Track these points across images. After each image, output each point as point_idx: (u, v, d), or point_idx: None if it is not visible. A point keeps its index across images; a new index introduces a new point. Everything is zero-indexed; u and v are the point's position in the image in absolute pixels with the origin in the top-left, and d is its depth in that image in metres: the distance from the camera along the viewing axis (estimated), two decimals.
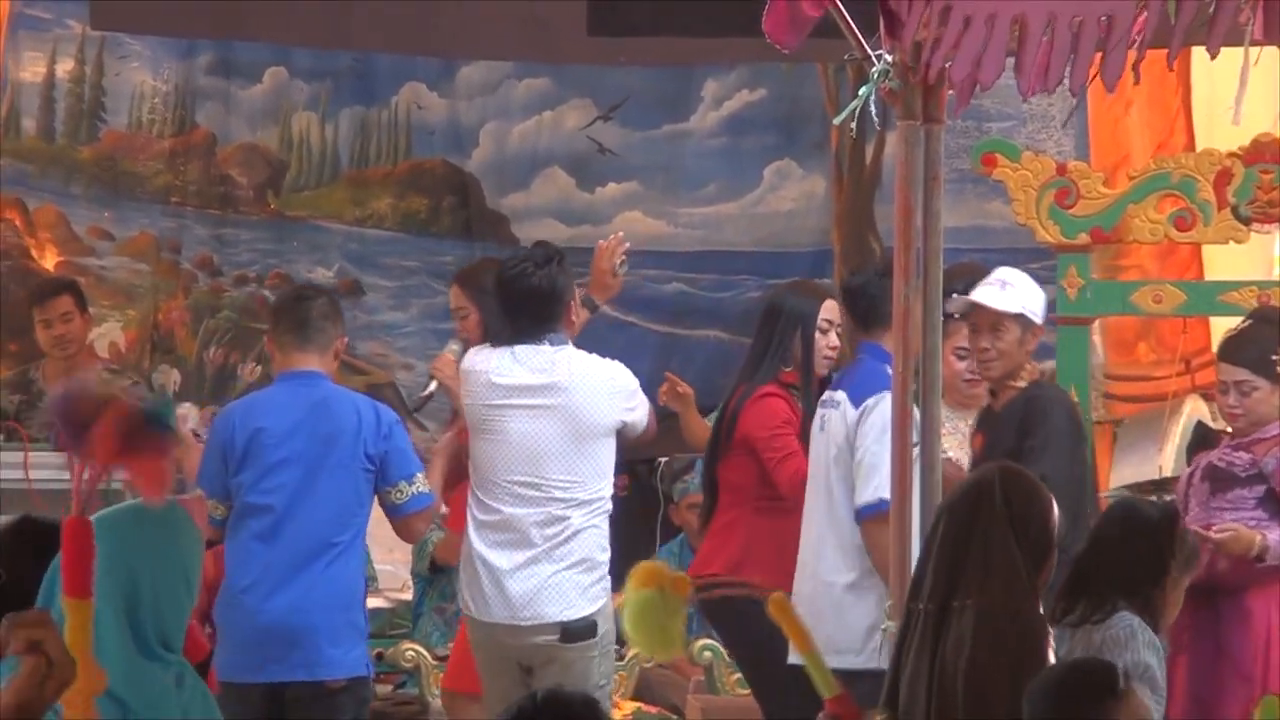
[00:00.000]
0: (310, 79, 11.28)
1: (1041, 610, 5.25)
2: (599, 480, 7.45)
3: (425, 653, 8.51)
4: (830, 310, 7.93)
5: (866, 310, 7.66)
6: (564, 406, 7.42)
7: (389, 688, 8.83)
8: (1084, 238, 8.63)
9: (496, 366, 7.46)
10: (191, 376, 10.96)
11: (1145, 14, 4.11)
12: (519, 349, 7.47)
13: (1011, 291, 7.58)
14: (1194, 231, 8.70)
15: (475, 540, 7.38)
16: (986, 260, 9.41)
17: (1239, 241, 8.95)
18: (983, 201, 10.30)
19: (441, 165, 11.45)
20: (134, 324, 10.99)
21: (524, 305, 7.45)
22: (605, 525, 7.42)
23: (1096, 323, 9.20)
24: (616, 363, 7.60)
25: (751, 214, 11.41)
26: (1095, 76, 4.33)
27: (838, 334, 7.97)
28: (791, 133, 11.43)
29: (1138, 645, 5.78)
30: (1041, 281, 8.69)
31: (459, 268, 11.31)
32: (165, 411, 4.07)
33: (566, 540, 7.36)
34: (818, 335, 7.84)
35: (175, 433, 4.08)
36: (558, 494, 7.40)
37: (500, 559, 7.34)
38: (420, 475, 7.26)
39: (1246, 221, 8.63)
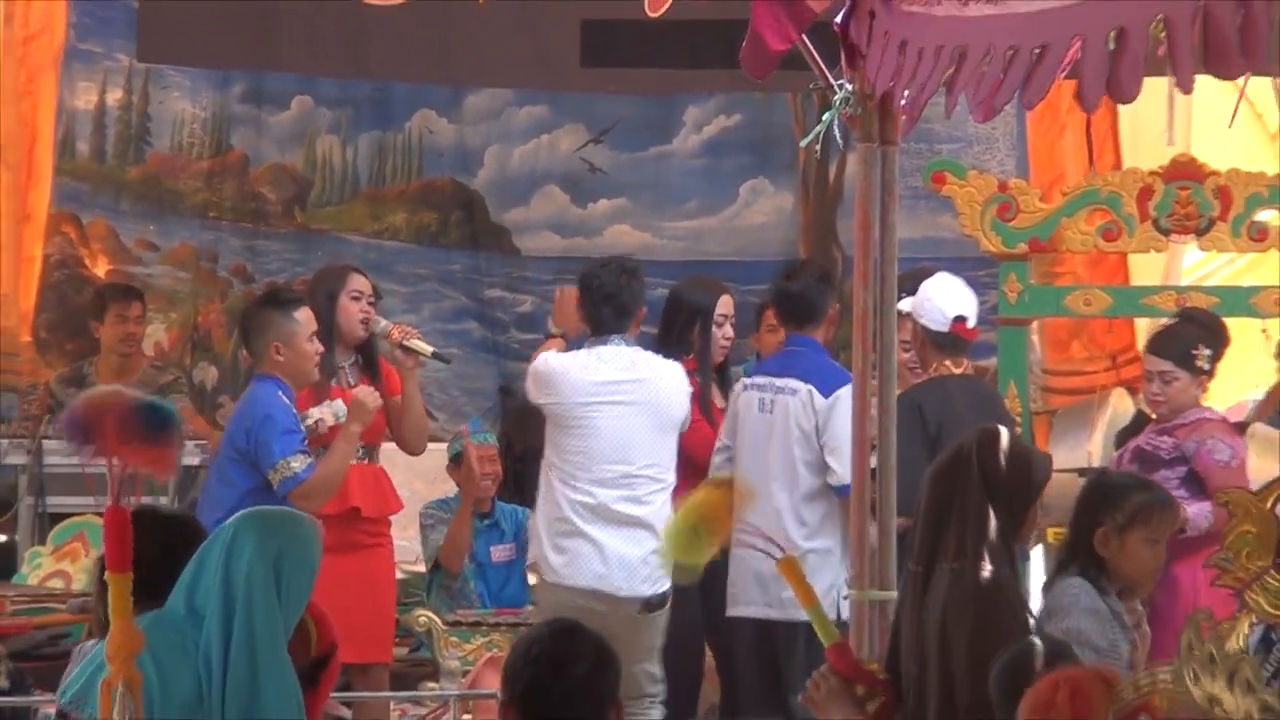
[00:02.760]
0: (333, 106, 11.27)
1: (1015, 569, 5.13)
2: (671, 467, 7.50)
3: (436, 619, 8.50)
4: (726, 305, 7.97)
5: (805, 309, 7.72)
6: (648, 400, 7.46)
7: (404, 650, 8.83)
8: (1023, 247, 8.65)
9: (583, 366, 7.44)
10: (227, 372, 10.95)
11: (1079, 45, 4.11)
12: (602, 349, 7.48)
13: (916, 295, 7.75)
14: (1120, 242, 8.72)
15: (574, 518, 7.36)
16: (938, 266, 9.45)
17: (1159, 250, 8.98)
18: (933, 215, 10.30)
19: (450, 183, 11.44)
20: (176, 325, 10.98)
21: (603, 308, 7.46)
22: None
23: (1034, 323, 9.21)
24: (677, 363, 7.65)
25: (729, 227, 11.41)
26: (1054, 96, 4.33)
27: (732, 325, 7.99)
28: (764, 154, 11.42)
29: (1075, 611, 5.59)
30: (985, 287, 8.72)
31: (465, 275, 11.36)
32: (158, 405, 4.11)
33: (653, 522, 7.38)
34: (714, 327, 7.86)
35: (174, 420, 4.11)
36: (645, 479, 7.43)
37: (602, 535, 7.36)
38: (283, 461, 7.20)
39: (1166, 233, 8.65)
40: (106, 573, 4.02)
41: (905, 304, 7.58)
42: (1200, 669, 3.51)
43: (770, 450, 7.54)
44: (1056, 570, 5.81)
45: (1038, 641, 4.64)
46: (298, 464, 7.22)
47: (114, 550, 3.99)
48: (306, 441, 7.35)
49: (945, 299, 7.84)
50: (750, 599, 7.57)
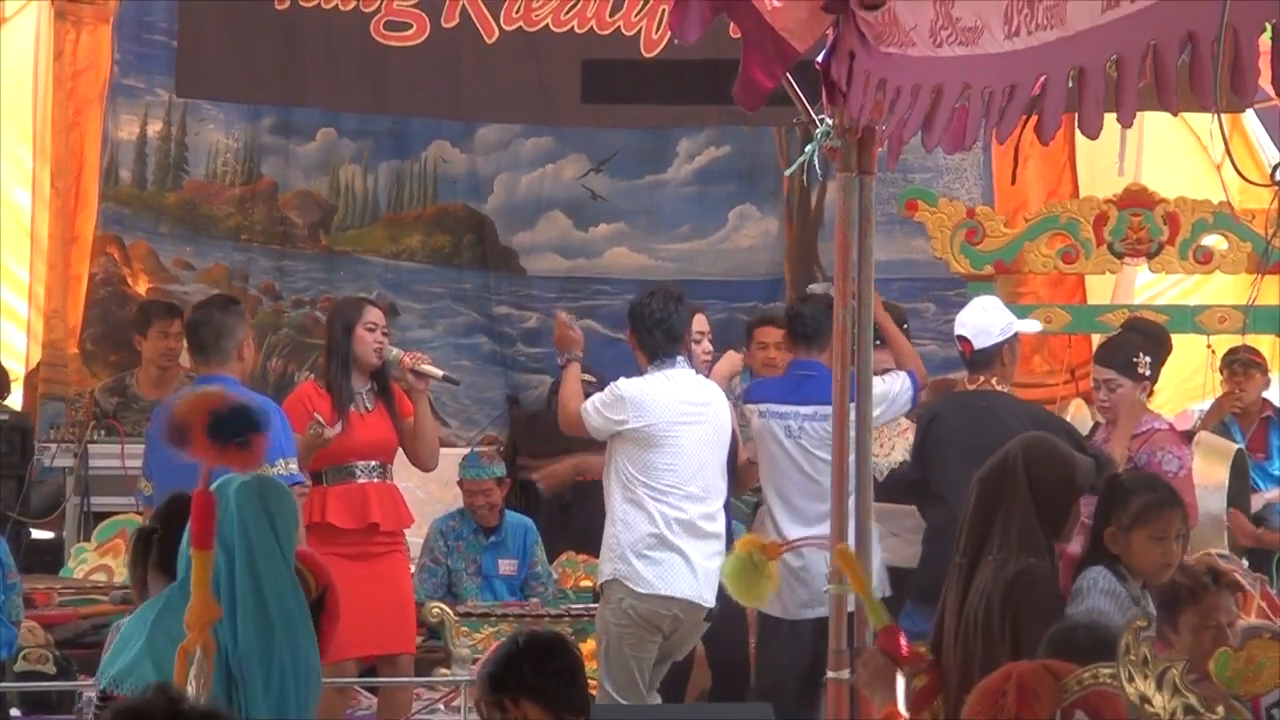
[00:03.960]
0: (355, 138, 11.27)
1: (1054, 563, 5.18)
2: (725, 480, 7.49)
3: (448, 610, 8.51)
4: (700, 323, 7.91)
5: (813, 333, 7.69)
6: (715, 421, 7.46)
7: (421, 638, 8.82)
8: (989, 269, 8.68)
9: (663, 388, 7.42)
10: (257, 383, 10.94)
11: (1042, 83, 4.14)
12: (670, 372, 7.46)
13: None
14: (1078, 264, 8.75)
15: (666, 532, 7.33)
16: (911, 286, 9.49)
17: (1114, 272, 9.01)
18: (907, 239, 10.31)
19: (462, 209, 11.44)
20: None
21: (655, 334, 7.45)
22: None
23: None
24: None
25: (718, 249, 11.41)
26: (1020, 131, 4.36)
27: (710, 341, 7.94)
28: (751, 182, 11.43)
29: (1095, 593, 5.59)
30: (955, 306, 8.73)
31: (476, 293, 11.36)
32: (247, 408, 4.18)
33: (723, 533, 7.42)
34: (692, 344, 7.82)
35: (259, 423, 4.18)
36: (716, 494, 7.44)
37: (690, 548, 7.34)
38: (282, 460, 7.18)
39: (1120, 256, 8.69)
40: (191, 548, 4.14)
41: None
42: (1135, 669, 3.54)
43: (808, 469, 7.53)
44: (1079, 565, 5.81)
45: (1081, 622, 4.71)
46: (282, 470, 7.24)
47: (199, 530, 4.13)
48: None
49: (957, 321, 7.77)
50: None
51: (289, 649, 4.17)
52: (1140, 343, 7.73)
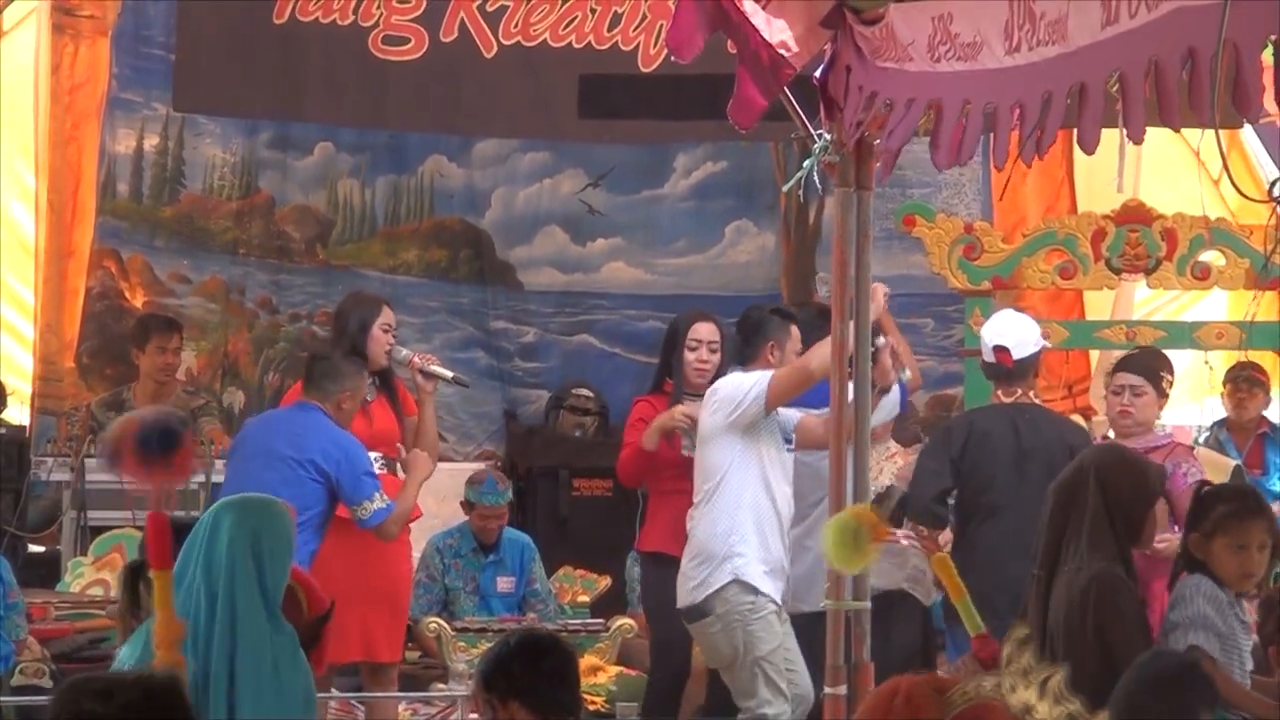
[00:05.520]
0: (353, 152, 11.27)
1: (1131, 570, 5.19)
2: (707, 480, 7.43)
3: (445, 625, 8.50)
4: (699, 331, 7.87)
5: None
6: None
7: (417, 654, 8.82)
8: (987, 284, 8.67)
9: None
10: (254, 397, 10.94)
11: (1046, 97, 4.13)
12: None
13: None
14: (1075, 279, 8.74)
15: None
16: (910, 302, 9.48)
17: (1111, 288, 9.01)
18: (905, 254, 10.29)
19: (459, 223, 11.43)
20: (206, 353, 10.97)
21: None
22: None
23: None
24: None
25: (715, 264, 11.41)
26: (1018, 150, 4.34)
27: (709, 350, 7.89)
28: (748, 197, 11.43)
29: (1198, 598, 5.56)
30: (952, 321, 8.72)
31: (473, 308, 11.35)
32: (164, 427, 4.23)
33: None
34: (687, 352, 7.79)
35: (178, 437, 4.21)
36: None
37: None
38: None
39: (1118, 271, 8.68)
40: (150, 569, 4.19)
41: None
42: (1017, 679, 3.56)
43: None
44: (1175, 572, 5.78)
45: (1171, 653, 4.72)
46: (379, 503, 7.28)
47: (156, 550, 4.17)
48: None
49: (989, 332, 7.63)
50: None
51: (256, 683, 4.19)
52: (1164, 361, 7.77)
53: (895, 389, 7.55)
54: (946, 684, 3.58)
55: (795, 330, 7.54)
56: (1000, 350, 7.50)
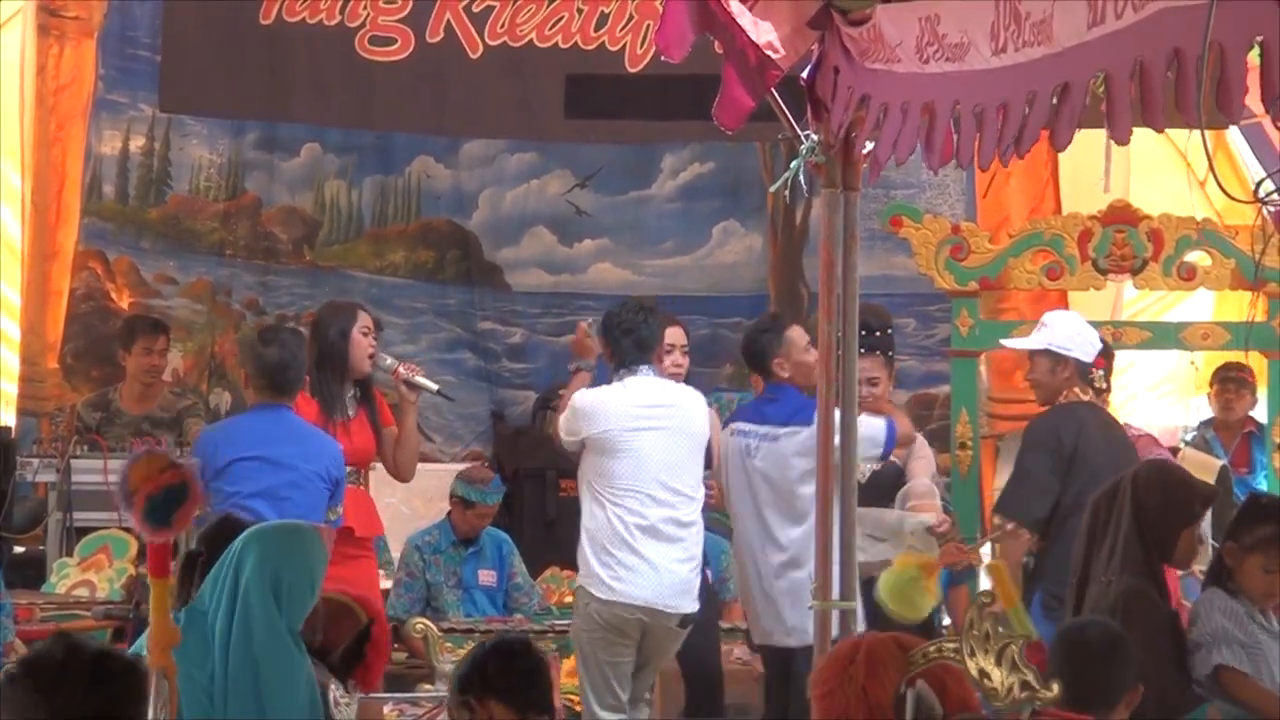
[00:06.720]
0: (340, 153, 11.27)
1: (1160, 583, 5.25)
2: (701, 486, 7.46)
3: (431, 626, 8.49)
4: (673, 335, 7.89)
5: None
6: (680, 425, 7.43)
7: (404, 655, 8.80)
8: (973, 285, 8.67)
9: (619, 395, 7.41)
10: (239, 398, 10.92)
11: (1032, 98, 4.13)
12: (630, 380, 7.45)
13: (1043, 331, 7.58)
14: (1062, 280, 8.75)
15: (628, 537, 7.30)
16: (893, 302, 9.48)
17: (1098, 288, 9.00)
18: (891, 255, 10.30)
19: (447, 224, 11.44)
20: (192, 354, 10.96)
21: (624, 342, 7.45)
22: None
23: (983, 355, 9.24)
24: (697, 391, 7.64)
25: (702, 265, 11.42)
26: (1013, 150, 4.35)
27: (682, 353, 7.90)
28: (735, 198, 11.44)
29: (1215, 614, 5.58)
30: (938, 321, 8.72)
31: (460, 309, 11.35)
32: (171, 496, 4.33)
33: (696, 538, 7.39)
34: (662, 355, 7.81)
35: (185, 505, 4.36)
36: (685, 498, 7.40)
37: (654, 553, 7.32)
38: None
39: (1104, 272, 8.68)
40: (149, 577, 4.36)
41: (1023, 342, 7.57)
42: (976, 645, 3.63)
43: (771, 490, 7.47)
44: (1208, 578, 5.79)
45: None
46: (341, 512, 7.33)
47: (154, 560, 4.34)
48: None
49: (1092, 334, 7.62)
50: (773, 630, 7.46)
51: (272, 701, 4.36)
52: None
53: (882, 432, 7.43)
54: (910, 643, 3.66)
55: (792, 332, 7.57)
56: (1104, 353, 7.57)
